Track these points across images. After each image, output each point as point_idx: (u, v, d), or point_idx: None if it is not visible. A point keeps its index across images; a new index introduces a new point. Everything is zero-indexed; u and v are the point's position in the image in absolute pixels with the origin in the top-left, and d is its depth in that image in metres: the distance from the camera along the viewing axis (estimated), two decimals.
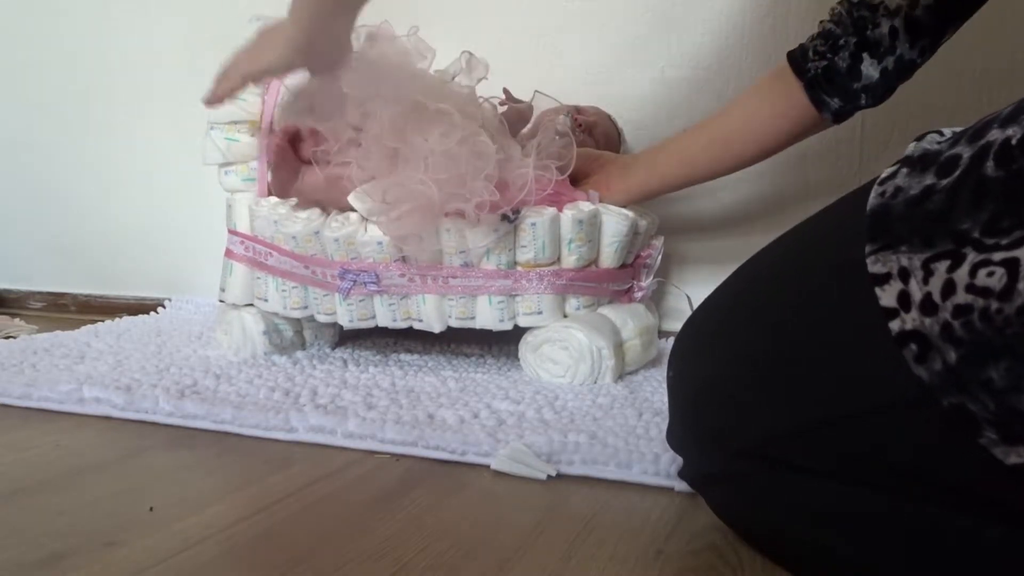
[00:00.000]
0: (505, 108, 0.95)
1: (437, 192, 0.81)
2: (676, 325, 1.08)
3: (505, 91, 0.98)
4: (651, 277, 0.98)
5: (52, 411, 0.82)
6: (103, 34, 1.45)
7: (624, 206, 0.92)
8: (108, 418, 0.80)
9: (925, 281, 0.38)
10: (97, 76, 1.46)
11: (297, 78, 0.94)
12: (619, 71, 1.13)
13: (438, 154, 0.81)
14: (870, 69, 0.76)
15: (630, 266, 0.96)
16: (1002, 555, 0.39)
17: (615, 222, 0.90)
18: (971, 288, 0.36)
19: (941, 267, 0.37)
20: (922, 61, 0.76)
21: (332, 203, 0.93)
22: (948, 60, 0.90)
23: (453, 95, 0.89)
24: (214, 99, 0.84)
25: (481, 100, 0.93)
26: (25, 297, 1.58)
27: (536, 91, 0.99)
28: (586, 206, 0.89)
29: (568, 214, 0.87)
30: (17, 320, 1.33)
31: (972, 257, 0.36)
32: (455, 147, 0.81)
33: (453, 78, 0.95)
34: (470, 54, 0.98)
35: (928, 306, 0.37)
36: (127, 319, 1.29)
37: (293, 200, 0.94)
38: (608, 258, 0.91)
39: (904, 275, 0.39)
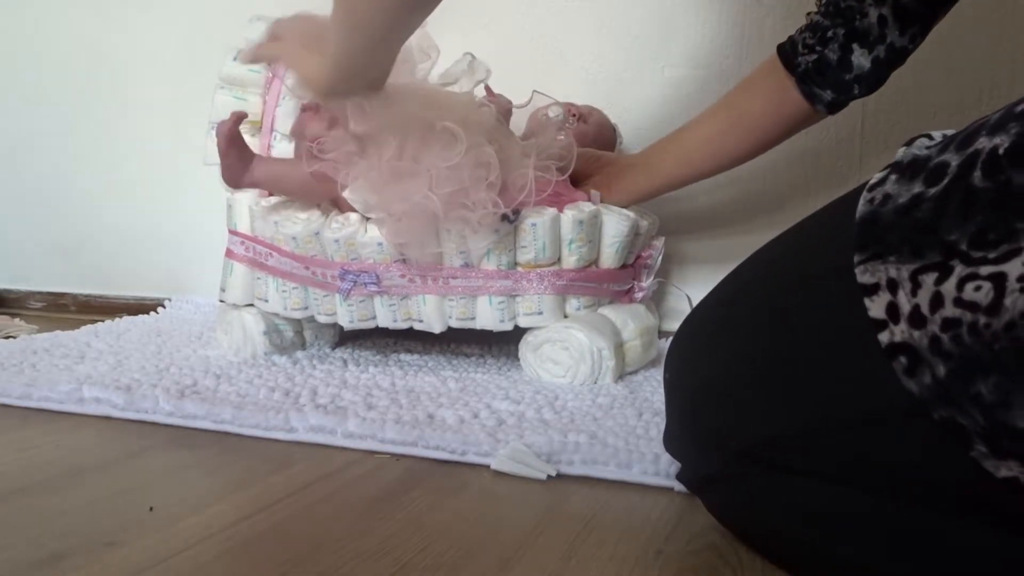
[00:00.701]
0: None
1: (441, 205, 0.81)
2: (676, 325, 1.08)
3: (487, 88, 0.98)
4: (652, 277, 0.98)
5: (52, 411, 0.82)
6: (103, 34, 1.45)
7: (626, 206, 0.92)
8: (108, 418, 0.80)
9: (913, 293, 0.37)
10: (97, 76, 1.46)
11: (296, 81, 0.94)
12: (619, 71, 1.13)
13: (442, 169, 0.81)
14: (861, 59, 0.75)
15: (631, 266, 0.96)
16: (999, 558, 0.39)
17: (616, 222, 0.90)
18: (959, 302, 0.36)
19: (929, 279, 0.37)
20: (913, 47, 0.75)
21: (288, 195, 0.93)
22: (949, 59, 0.90)
23: (455, 104, 0.89)
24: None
25: (480, 103, 0.93)
26: (25, 297, 1.58)
27: (534, 91, 0.99)
28: (587, 206, 0.89)
29: (569, 214, 0.87)
30: (17, 320, 1.33)
31: (960, 270, 0.36)
32: (458, 160, 0.81)
33: (456, 81, 0.95)
34: (472, 56, 0.98)
35: (916, 319, 0.37)
36: (127, 319, 1.28)
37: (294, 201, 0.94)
38: (609, 258, 0.91)
39: (893, 286, 0.38)
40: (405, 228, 0.84)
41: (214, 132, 0.89)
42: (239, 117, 0.87)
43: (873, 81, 0.77)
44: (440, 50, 0.97)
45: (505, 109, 0.96)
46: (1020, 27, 0.96)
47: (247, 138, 0.99)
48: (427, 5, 0.63)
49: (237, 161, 0.89)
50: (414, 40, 0.91)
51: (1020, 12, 0.96)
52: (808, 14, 0.79)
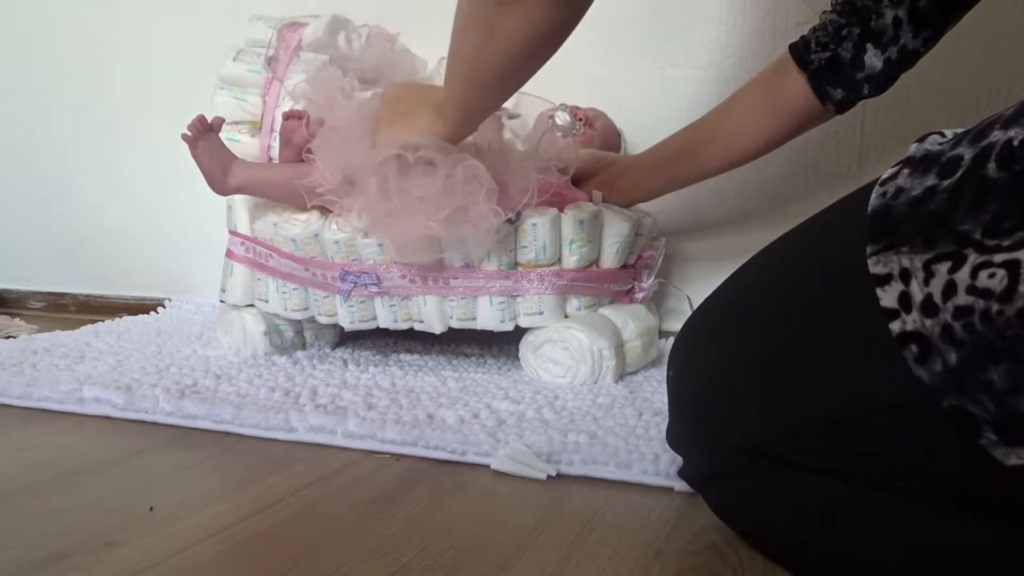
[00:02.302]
0: None
1: (443, 229, 0.81)
2: (676, 325, 1.08)
3: None
4: (652, 278, 0.98)
5: (52, 411, 0.82)
6: (104, 34, 1.45)
7: (630, 206, 0.92)
8: (108, 418, 0.80)
9: (926, 282, 0.38)
10: (97, 76, 1.46)
11: (298, 82, 0.94)
12: (619, 71, 1.13)
13: (435, 195, 0.81)
14: (873, 59, 0.76)
15: (631, 267, 0.96)
16: (1003, 555, 0.39)
17: (617, 223, 0.90)
18: (972, 289, 0.36)
19: (942, 268, 0.37)
20: (925, 51, 0.76)
21: (272, 200, 0.94)
22: (949, 59, 0.90)
23: None
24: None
25: None
26: (25, 297, 1.58)
27: (520, 92, 0.99)
28: (587, 206, 0.89)
29: (569, 214, 0.87)
30: (17, 320, 1.33)
31: (973, 258, 0.36)
32: (446, 180, 0.81)
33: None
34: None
35: (929, 307, 0.37)
36: (127, 319, 1.29)
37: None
38: (609, 259, 0.91)
39: (905, 276, 0.39)
40: (409, 248, 0.84)
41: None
42: (210, 123, 0.88)
43: (883, 81, 0.78)
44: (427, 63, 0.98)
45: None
46: (1020, 28, 0.96)
47: (247, 138, 0.99)
48: (542, 56, 0.67)
49: (212, 160, 0.89)
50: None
51: (1019, 14, 0.96)
52: (823, 13, 0.79)
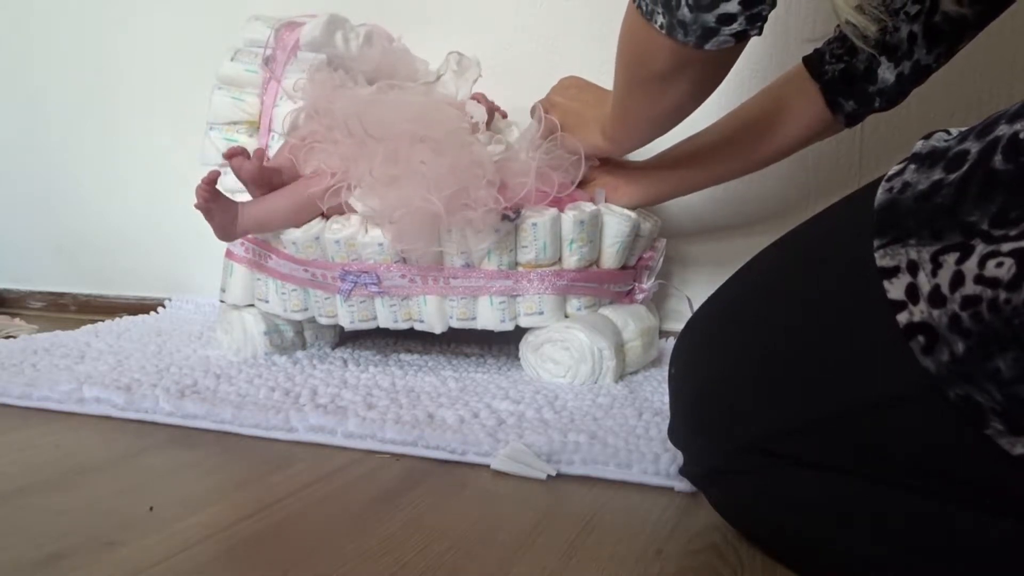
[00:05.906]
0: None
1: (443, 207, 0.81)
2: (677, 326, 1.08)
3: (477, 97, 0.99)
4: (653, 279, 0.98)
5: (52, 411, 0.82)
6: (103, 34, 1.45)
7: (636, 208, 0.92)
8: (108, 418, 0.80)
9: (934, 274, 0.38)
10: (97, 76, 1.46)
11: (298, 81, 0.94)
12: None
13: (439, 172, 0.81)
14: (886, 73, 0.76)
15: (632, 268, 0.96)
16: (1009, 549, 0.39)
17: (617, 223, 0.90)
18: (980, 279, 0.36)
19: (950, 259, 0.37)
20: (937, 67, 0.77)
21: (276, 231, 0.93)
22: (949, 64, 0.90)
23: (444, 117, 0.89)
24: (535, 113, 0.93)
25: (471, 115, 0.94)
26: (25, 297, 1.58)
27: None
28: (587, 206, 0.89)
29: (569, 214, 0.87)
30: (17, 320, 1.33)
31: (981, 248, 0.36)
32: (452, 160, 0.82)
33: (438, 77, 0.96)
34: (459, 55, 0.98)
35: (936, 298, 0.38)
36: (127, 319, 1.29)
37: None
38: (610, 259, 0.91)
39: (913, 268, 0.39)
40: (408, 231, 0.84)
41: (206, 176, 0.88)
42: (213, 178, 0.87)
43: (895, 95, 0.78)
44: (427, 61, 0.98)
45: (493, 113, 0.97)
46: (1019, 31, 0.96)
47: (245, 139, 0.99)
48: (692, 109, 0.75)
49: (224, 215, 0.88)
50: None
51: (1019, 16, 0.96)
52: (837, 26, 0.79)
